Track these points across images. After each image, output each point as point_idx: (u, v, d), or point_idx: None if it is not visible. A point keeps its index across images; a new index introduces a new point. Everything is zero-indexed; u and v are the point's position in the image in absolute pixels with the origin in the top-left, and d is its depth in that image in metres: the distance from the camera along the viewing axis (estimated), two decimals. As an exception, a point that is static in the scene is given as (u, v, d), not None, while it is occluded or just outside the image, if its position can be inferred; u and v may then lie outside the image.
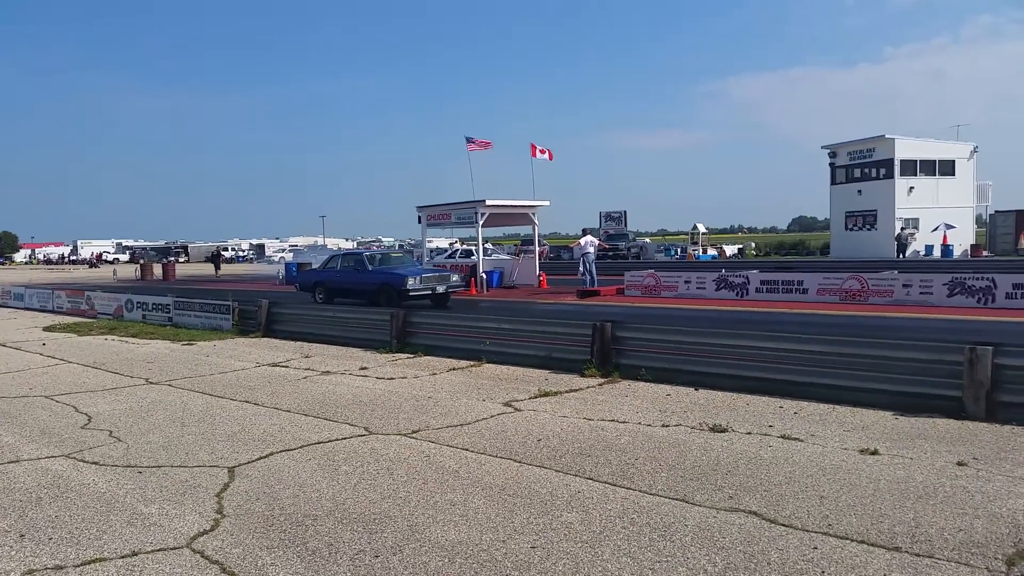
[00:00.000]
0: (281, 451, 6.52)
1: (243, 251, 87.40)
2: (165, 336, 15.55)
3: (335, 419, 7.72)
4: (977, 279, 17.23)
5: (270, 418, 7.86)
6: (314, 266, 29.95)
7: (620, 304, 20.64)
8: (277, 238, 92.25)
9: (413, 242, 58.46)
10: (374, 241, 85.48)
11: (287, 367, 11.33)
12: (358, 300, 19.83)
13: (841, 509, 4.75)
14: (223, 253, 63.30)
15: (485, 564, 4.09)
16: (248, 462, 6.20)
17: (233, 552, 4.36)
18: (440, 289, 20.06)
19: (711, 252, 52.32)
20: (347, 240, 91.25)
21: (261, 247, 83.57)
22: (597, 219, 60.66)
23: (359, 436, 6.99)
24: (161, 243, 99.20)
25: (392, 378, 10.04)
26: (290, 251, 66.47)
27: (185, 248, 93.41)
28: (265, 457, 6.34)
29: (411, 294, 19.20)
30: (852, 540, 4.27)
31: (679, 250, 52.54)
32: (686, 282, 22.23)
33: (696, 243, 53.59)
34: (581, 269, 24.63)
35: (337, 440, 6.85)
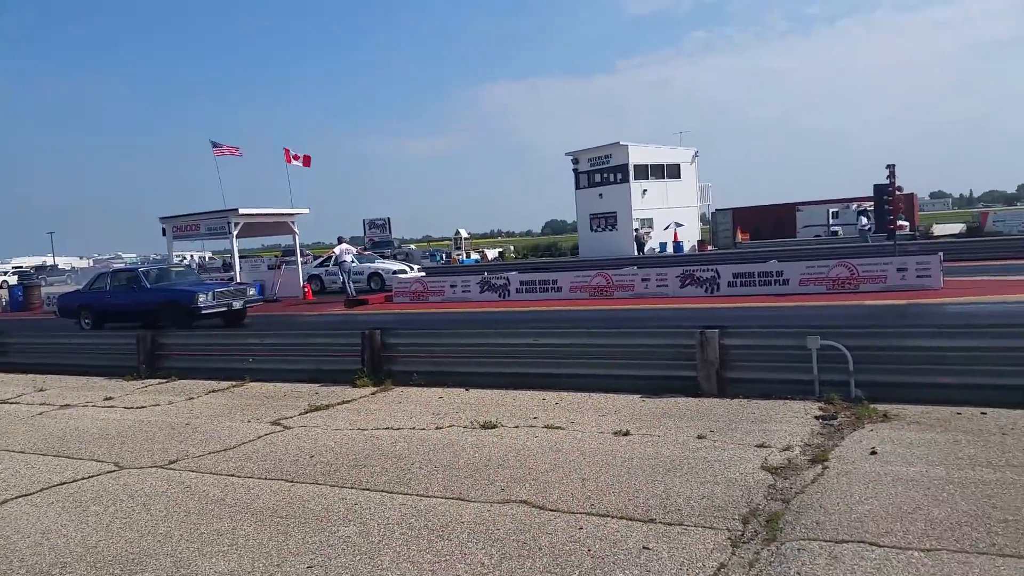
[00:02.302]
0: (17, 497, 5.79)
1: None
2: None
3: (79, 456, 6.98)
4: (704, 271, 19.38)
5: (1, 462, 6.93)
6: (46, 290, 26.88)
7: (389, 311, 20.65)
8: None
9: (158, 257, 54.11)
10: (113, 258, 77.86)
11: (18, 403, 10.05)
12: (136, 324, 17.29)
13: (601, 489, 5.15)
14: None
15: (261, 590, 3.93)
16: (-28, 516, 5.44)
17: (-41, 621, 3.82)
18: (237, 305, 18.42)
19: (474, 256, 53.87)
20: (82, 258, 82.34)
21: (-25, 269, 72.77)
22: (361, 227, 60.02)
23: (108, 472, 6.38)
24: None
25: (143, 407, 9.26)
26: (14, 273, 58.89)
27: None
28: (-6, 508, 5.60)
29: (203, 312, 17.41)
30: (613, 516, 4.64)
31: (444, 255, 53.58)
32: (452, 286, 22.75)
33: (460, 248, 54.93)
34: (342, 279, 24.26)
35: (83, 479, 6.20)
